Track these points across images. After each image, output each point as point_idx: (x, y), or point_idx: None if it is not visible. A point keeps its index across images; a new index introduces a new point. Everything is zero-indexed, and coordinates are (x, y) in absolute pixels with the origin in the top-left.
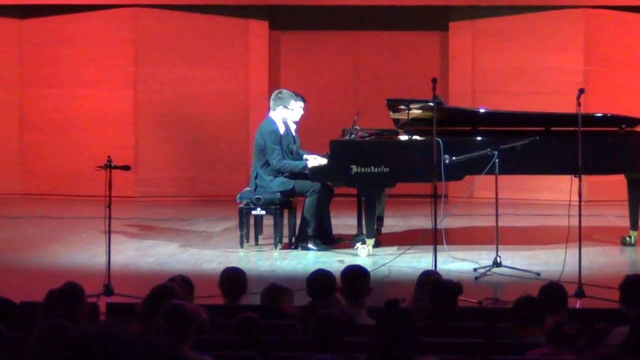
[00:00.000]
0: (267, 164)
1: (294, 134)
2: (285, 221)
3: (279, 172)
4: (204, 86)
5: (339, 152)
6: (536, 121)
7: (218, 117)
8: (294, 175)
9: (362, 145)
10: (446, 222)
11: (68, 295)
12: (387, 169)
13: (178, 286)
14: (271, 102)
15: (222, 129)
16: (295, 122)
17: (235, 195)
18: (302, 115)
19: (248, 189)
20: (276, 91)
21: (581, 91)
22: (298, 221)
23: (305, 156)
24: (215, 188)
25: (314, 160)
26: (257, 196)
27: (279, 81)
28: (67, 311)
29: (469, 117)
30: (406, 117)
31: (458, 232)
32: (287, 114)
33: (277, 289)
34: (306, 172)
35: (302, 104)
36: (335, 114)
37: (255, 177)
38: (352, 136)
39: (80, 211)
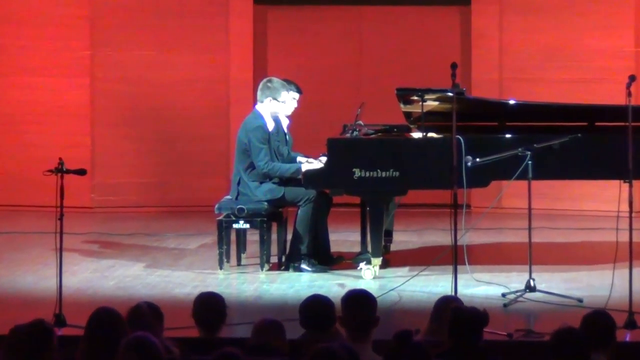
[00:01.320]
0: (251, 167)
1: (285, 131)
2: (274, 236)
3: (266, 177)
4: (176, 73)
5: (339, 152)
6: (577, 115)
7: (192, 111)
8: (285, 180)
9: (366, 144)
10: (469, 238)
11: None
12: (397, 173)
13: (145, 315)
14: (258, 93)
15: (197, 124)
16: (287, 117)
17: (213, 205)
18: (296, 109)
19: (229, 197)
20: (265, 80)
21: (632, 78)
22: (289, 237)
23: (298, 158)
24: (189, 196)
25: (309, 164)
26: (239, 206)
27: (266, 67)
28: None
29: (496, 110)
30: (420, 110)
31: (483, 249)
32: (277, 107)
33: (271, 326)
34: (300, 177)
35: (296, 95)
36: (334, 106)
37: (238, 183)
38: (355, 133)
39: (27, 225)
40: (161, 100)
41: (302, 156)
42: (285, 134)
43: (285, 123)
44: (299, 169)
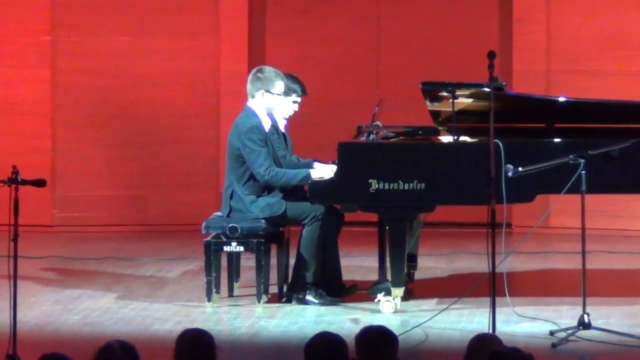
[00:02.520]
0: (246, 177)
1: (283, 130)
2: (274, 261)
3: (264, 189)
4: (155, 64)
5: (352, 159)
6: None
7: (175, 109)
8: (287, 194)
9: (385, 149)
10: (509, 263)
11: None
12: (423, 186)
13: (117, 357)
14: (248, 87)
15: (180, 126)
16: (284, 119)
17: (200, 224)
18: (298, 106)
19: (219, 213)
20: (254, 70)
21: None
22: (292, 262)
23: (315, 164)
24: (170, 212)
25: (320, 170)
26: (231, 224)
27: (264, 57)
28: None
29: (543, 109)
30: (450, 109)
31: (527, 277)
32: (272, 101)
33: None
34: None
35: (297, 98)
36: (346, 104)
37: (230, 197)
38: (372, 137)
39: None
40: (137, 97)
41: (307, 160)
42: (284, 135)
43: (281, 124)
44: (309, 175)
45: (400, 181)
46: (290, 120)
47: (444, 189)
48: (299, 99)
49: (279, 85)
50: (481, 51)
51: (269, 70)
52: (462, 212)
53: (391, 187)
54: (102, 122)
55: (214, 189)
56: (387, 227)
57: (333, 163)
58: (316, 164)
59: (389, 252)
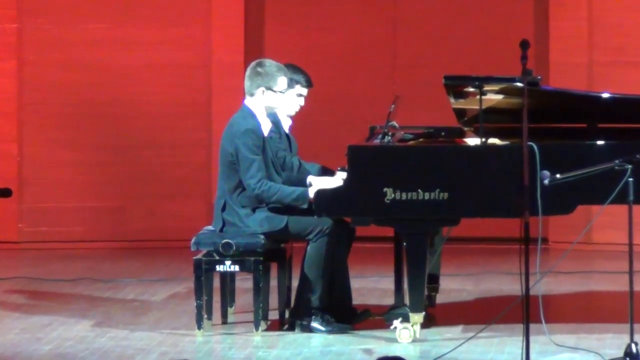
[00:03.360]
0: (242, 186)
1: (287, 131)
2: (274, 283)
3: (260, 202)
4: (137, 56)
5: (364, 165)
6: None
7: (161, 108)
8: (288, 205)
9: (403, 154)
10: (545, 285)
11: None
12: (445, 195)
13: None
14: (246, 83)
15: (167, 126)
16: (289, 117)
17: (189, 240)
18: (302, 106)
19: (210, 228)
20: (253, 63)
21: None
22: (295, 283)
23: (309, 179)
24: (154, 227)
25: (319, 185)
26: (225, 240)
27: (262, 48)
28: None
29: (584, 107)
30: (477, 107)
31: (566, 301)
32: (273, 99)
33: None
34: (304, 206)
35: (303, 90)
36: (357, 101)
37: (223, 209)
38: (387, 139)
39: None
40: (116, 93)
41: (313, 167)
42: (288, 137)
43: (286, 125)
44: (306, 194)
45: (419, 190)
46: (293, 120)
47: (470, 199)
48: (304, 91)
49: (282, 81)
50: (513, 40)
51: (270, 64)
52: (491, 225)
53: (409, 197)
54: (77, 122)
55: (205, 199)
56: (405, 243)
57: (342, 169)
58: (312, 179)
59: (407, 272)
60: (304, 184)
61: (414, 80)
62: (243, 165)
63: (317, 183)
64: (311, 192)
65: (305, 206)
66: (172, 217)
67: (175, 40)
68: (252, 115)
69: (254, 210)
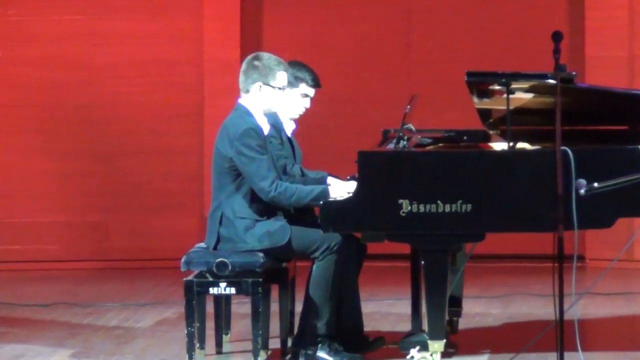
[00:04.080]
0: (239, 195)
1: (290, 136)
2: (275, 308)
3: (264, 212)
4: (121, 52)
5: (377, 174)
6: None
7: (147, 109)
8: (291, 218)
9: (420, 160)
10: (583, 308)
11: None
12: (469, 207)
13: None
14: (241, 79)
15: (153, 130)
16: (293, 120)
17: (179, 259)
18: (308, 108)
19: (203, 245)
20: (249, 57)
21: None
22: (298, 308)
23: (329, 180)
24: (140, 244)
25: (339, 187)
26: (220, 259)
27: (260, 41)
28: None
29: (625, 107)
30: (504, 107)
31: (604, 325)
32: (272, 97)
33: None
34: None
35: (310, 90)
36: (369, 102)
37: (218, 222)
38: (403, 143)
39: None
40: (97, 94)
41: (332, 177)
42: (290, 141)
43: (289, 128)
44: (326, 192)
45: (439, 201)
46: (298, 123)
47: (497, 211)
48: (310, 91)
49: (281, 76)
50: (544, 31)
51: (268, 57)
52: (520, 241)
53: (428, 210)
54: (52, 127)
55: (197, 212)
56: (423, 262)
57: (352, 178)
58: (332, 180)
59: (426, 295)
60: None
61: (432, 78)
62: (250, 169)
63: (335, 186)
64: (332, 190)
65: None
66: (160, 233)
67: (162, 33)
68: (248, 114)
69: (254, 222)
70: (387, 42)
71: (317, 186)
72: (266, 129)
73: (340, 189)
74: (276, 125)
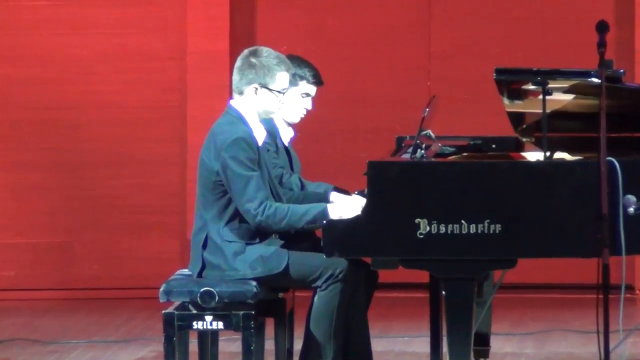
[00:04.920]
0: (228, 214)
1: (286, 144)
2: (270, 346)
3: (257, 234)
4: (91, 43)
5: (390, 188)
6: None
7: (120, 112)
8: (289, 240)
9: (441, 173)
10: (632, 347)
11: None
12: (498, 228)
13: None
14: (234, 78)
15: (128, 137)
16: (291, 126)
17: (158, 287)
18: (309, 111)
19: (186, 271)
20: (245, 52)
21: None
22: (298, 346)
23: (332, 196)
24: (112, 270)
25: (343, 204)
26: (205, 288)
27: (254, 33)
28: None
29: None
30: (539, 110)
31: None
32: (269, 101)
33: None
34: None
35: (311, 88)
36: (380, 104)
37: (203, 246)
38: (421, 153)
39: None
40: (62, 93)
41: (336, 192)
42: (286, 150)
43: (286, 136)
44: (325, 213)
45: (463, 221)
46: (295, 129)
47: (531, 233)
48: (311, 90)
49: (282, 78)
50: (587, 21)
51: (268, 53)
52: (558, 268)
53: (449, 231)
54: (8, 131)
55: (179, 233)
56: (444, 292)
57: (360, 194)
58: (335, 195)
59: (447, 331)
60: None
61: (456, 76)
62: (236, 186)
63: (338, 204)
64: (332, 210)
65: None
66: (135, 257)
67: (138, 22)
68: (241, 120)
69: (246, 245)
70: (402, 34)
71: (315, 205)
72: (261, 137)
73: (345, 207)
74: (271, 131)
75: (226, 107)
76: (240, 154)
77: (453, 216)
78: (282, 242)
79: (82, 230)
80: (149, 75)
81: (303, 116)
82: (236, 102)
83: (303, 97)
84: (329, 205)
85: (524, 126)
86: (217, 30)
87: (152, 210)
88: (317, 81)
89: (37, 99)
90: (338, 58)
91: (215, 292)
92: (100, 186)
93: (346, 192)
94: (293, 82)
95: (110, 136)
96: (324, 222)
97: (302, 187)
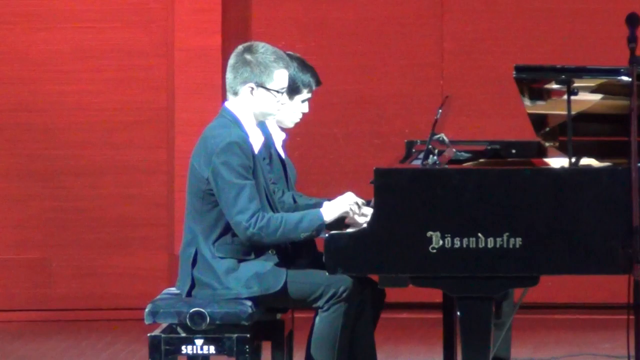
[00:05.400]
0: (220, 227)
1: (280, 152)
2: None
3: (251, 248)
4: (65, 39)
5: (399, 198)
6: None
7: (100, 115)
8: (287, 256)
9: (455, 181)
10: None
11: None
12: (518, 241)
13: None
14: (228, 75)
15: (109, 143)
16: (283, 130)
17: (143, 308)
18: (306, 114)
19: (174, 290)
20: (240, 48)
21: None
22: None
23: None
24: (91, 289)
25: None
26: (195, 309)
27: (248, 28)
28: None
29: None
30: (564, 112)
31: None
32: (266, 102)
33: None
34: (321, 235)
35: (307, 94)
36: (388, 105)
37: (192, 262)
38: (433, 159)
39: None
40: (34, 95)
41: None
42: (280, 158)
43: (278, 139)
44: (320, 217)
45: (480, 234)
46: (294, 132)
47: (554, 247)
48: (309, 95)
49: (281, 75)
50: (616, 14)
51: (265, 49)
52: (584, 286)
53: (465, 245)
54: None
55: (166, 248)
56: (459, 313)
57: (367, 204)
58: (326, 204)
59: (462, 356)
60: None
61: (471, 74)
62: (227, 196)
63: (329, 205)
64: (326, 213)
65: (322, 235)
66: (118, 275)
67: (120, 15)
68: (237, 123)
69: (238, 262)
70: (411, 27)
71: (308, 211)
72: (258, 142)
73: (336, 203)
74: (266, 138)
75: (220, 109)
76: (233, 160)
77: (469, 229)
78: (279, 258)
79: (58, 246)
80: (132, 74)
81: (298, 120)
82: (231, 103)
83: (302, 102)
84: (322, 209)
85: (547, 129)
86: (208, 23)
87: (136, 223)
88: (315, 81)
89: (7, 101)
90: (341, 54)
91: (206, 313)
92: (78, 197)
93: None
94: (296, 90)
95: (88, 141)
96: (321, 228)
97: (295, 203)
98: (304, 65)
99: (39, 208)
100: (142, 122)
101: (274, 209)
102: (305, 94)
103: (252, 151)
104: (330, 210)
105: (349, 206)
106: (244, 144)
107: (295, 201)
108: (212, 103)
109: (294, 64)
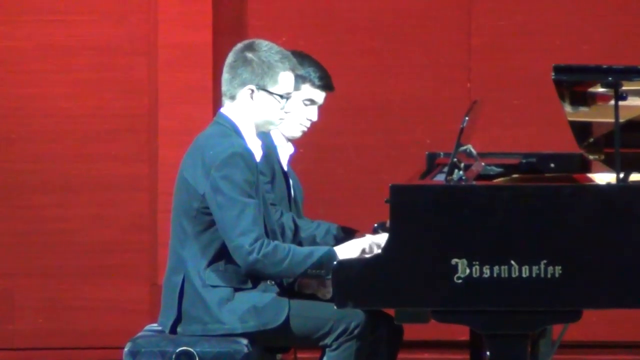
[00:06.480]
0: (212, 252)
1: (285, 168)
2: None
3: (248, 277)
4: (32, 33)
5: (419, 219)
6: None
7: (73, 123)
8: (290, 285)
9: (484, 200)
10: None
11: None
12: (558, 270)
13: None
14: (225, 76)
15: (83, 156)
16: (290, 140)
17: (123, 346)
18: (314, 123)
19: (156, 326)
20: (241, 45)
21: None
22: None
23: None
24: (61, 325)
25: (351, 248)
26: (182, 348)
27: (243, 23)
28: None
29: None
30: (610, 120)
31: None
32: (267, 107)
33: None
34: (328, 276)
35: (318, 94)
36: (407, 112)
37: (179, 294)
38: (459, 174)
39: None
40: (7, 100)
41: (330, 232)
42: (284, 174)
43: (284, 154)
44: (332, 255)
45: (512, 262)
46: (296, 143)
47: (599, 276)
48: (318, 96)
49: (286, 79)
50: None
51: (268, 47)
52: (632, 322)
53: (495, 274)
54: None
55: (147, 277)
56: (489, 353)
57: (381, 227)
58: (341, 246)
59: None
60: None
61: (503, 75)
62: (228, 214)
63: (346, 244)
64: (340, 251)
65: (328, 276)
66: (91, 308)
67: (95, 7)
68: (235, 130)
69: (233, 292)
70: (435, 22)
71: (319, 247)
72: (258, 154)
73: (354, 246)
74: (266, 151)
75: (214, 115)
76: (236, 174)
77: (500, 255)
78: (279, 288)
79: (21, 274)
80: (108, 75)
81: (306, 130)
82: (228, 109)
83: (306, 104)
84: (336, 248)
85: (591, 140)
86: (197, 16)
87: (114, 249)
88: (325, 85)
89: None
90: (352, 53)
91: (194, 352)
92: (45, 218)
93: (352, 231)
94: (295, 86)
95: (57, 153)
96: (331, 268)
97: (296, 229)
98: (303, 58)
99: (5, 231)
100: (120, 130)
101: (268, 234)
102: (307, 91)
103: (256, 164)
104: (345, 252)
105: (368, 248)
106: (248, 156)
107: (296, 224)
108: (201, 109)
109: (297, 56)
